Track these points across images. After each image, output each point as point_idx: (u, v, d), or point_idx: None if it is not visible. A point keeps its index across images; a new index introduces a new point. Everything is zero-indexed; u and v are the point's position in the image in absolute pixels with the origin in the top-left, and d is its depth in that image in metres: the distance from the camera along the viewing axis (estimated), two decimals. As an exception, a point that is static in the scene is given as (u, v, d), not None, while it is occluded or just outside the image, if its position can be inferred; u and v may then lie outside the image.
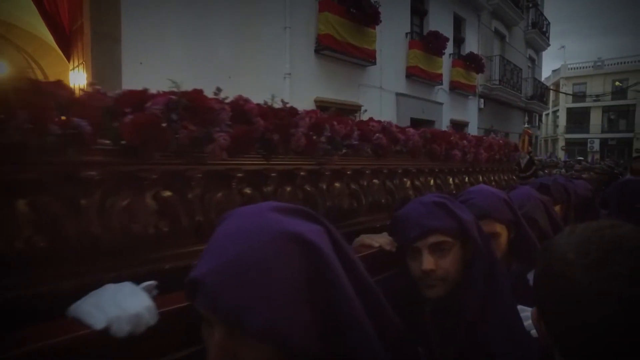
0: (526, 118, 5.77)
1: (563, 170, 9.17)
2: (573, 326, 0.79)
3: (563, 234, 0.88)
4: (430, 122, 13.97)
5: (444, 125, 14.52)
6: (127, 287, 0.94)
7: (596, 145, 38.79)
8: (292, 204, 0.92)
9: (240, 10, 8.24)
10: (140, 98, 1.13)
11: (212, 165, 1.24)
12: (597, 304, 0.75)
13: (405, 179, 2.01)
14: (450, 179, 2.38)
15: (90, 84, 1.10)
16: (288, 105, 1.50)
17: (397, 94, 12.58)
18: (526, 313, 1.55)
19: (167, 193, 1.17)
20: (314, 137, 1.47)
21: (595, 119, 41.28)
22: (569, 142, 41.45)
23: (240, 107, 1.31)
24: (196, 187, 1.23)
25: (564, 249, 0.83)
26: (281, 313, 0.75)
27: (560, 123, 43.25)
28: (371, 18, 10.68)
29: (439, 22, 14.08)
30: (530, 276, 1.93)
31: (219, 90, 1.35)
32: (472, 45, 16.14)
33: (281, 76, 9.26)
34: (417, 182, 2.07)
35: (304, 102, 9.26)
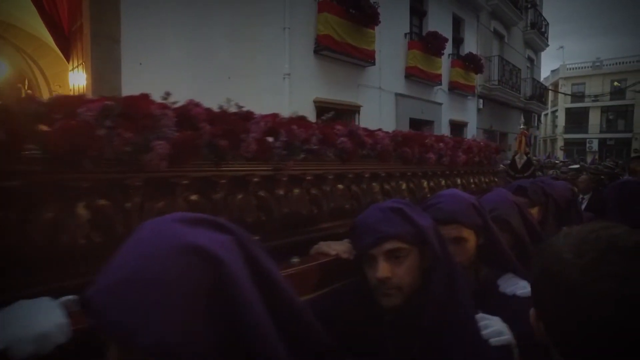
0: (522, 119, 5.71)
1: (559, 172, 9.02)
2: (570, 326, 0.79)
3: (560, 235, 0.88)
4: (429, 123, 13.87)
5: (443, 125, 14.43)
6: (41, 303, 0.88)
7: (595, 146, 38.47)
8: (203, 214, 0.86)
9: (239, 11, 8.16)
10: (73, 104, 1.06)
11: (154, 173, 1.17)
12: (593, 303, 0.75)
13: (374, 184, 1.93)
14: (425, 183, 2.30)
15: (15, 87, 1.03)
16: (244, 109, 1.44)
17: (397, 94, 12.47)
18: (486, 321, 1.48)
19: (102, 202, 1.11)
20: (269, 142, 1.40)
21: (594, 119, 40.89)
22: (567, 142, 41.12)
23: (186, 113, 1.24)
24: (135, 195, 1.16)
25: (560, 249, 0.83)
26: (175, 329, 0.70)
27: (559, 123, 42.89)
28: (370, 18, 10.58)
29: (438, 23, 13.95)
30: (501, 282, 1.86)
31: (167, 94, 1.29)
32: (471, 45, 16.00)
33: (280, 76, 9.18)
34: (386, 187, 1.99)
35: (303, 103, 9.22)
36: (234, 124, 1.31)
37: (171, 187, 1.24)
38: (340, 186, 1.75)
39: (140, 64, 6.72)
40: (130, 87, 6.33)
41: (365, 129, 1.86)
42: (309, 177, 1.59)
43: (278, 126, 1.44)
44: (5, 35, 7.20)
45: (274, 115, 1.53)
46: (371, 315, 1.47)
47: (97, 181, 1.09)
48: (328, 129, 1.67)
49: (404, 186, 2.13)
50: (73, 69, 6.81)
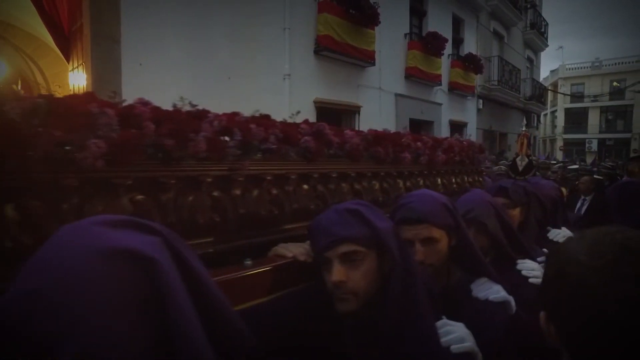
0: (524, 121, 5.69)
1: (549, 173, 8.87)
2: (583, 328, 0.78)
3: (573, 238, 0.89)
4: (429, 123, 13.78)
5: (443, 125, 14.32)
6: None
7: (594, 146, 38.14)
8: (125, 216, 0.79)
9: (239, 11, 8.11)
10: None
11: (93, 173, 1.11)
12: (609, 305, 0.74)
13: (343, 184, 1.85)
14: (401, 182, 2.22)
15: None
16: (198, 108, 1.37)
17: (396, 95, 12.40)
18: (448, 327, 1.41)
19: (35, 203, 1.04)
20: (221, 142, 1.33)
21: (593, 119, 40.52)
22: (567, 143, 40.79)
23: (129, 112, 1.17)
24: (73, 196, 1.10)
25: (575, 251, 0.82)
26: (103, 335, 0.64)
27: (558, 123, 42.53)
28: (370, 19, 10.50)
29: (438, 23, 13.84)
30: (474, 286, 1.78)
31: (114, 93, 1.22)
32: (470, 45, 15.86)
33: (280, 77, 9.14)
34: (357, 186, 1.92)
35: (303, 103, 9.16)
36: (182, 123, 1.23)
37: (113, 187, 1.17)
38: (305, 186, 1.67)
39: (141, 64, 6.68)
40: (130, 87, 6.31)
41: (333, 128, 1.78)
42: (269, 177, 1.52)
43: (233, 125, 1.37)
44: (4, 35, 7.15)
45: (233, 114, 1.46)
46: (332, 320, 1.40)
47: (31, 181, 1.02)
48: (290, 128, 1.60)
49: (377, 186, 2.05)
50: (73, 70, 6.77)
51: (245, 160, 1.39)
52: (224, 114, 1.42)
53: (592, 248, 0.80)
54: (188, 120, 1.27)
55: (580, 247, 0.82)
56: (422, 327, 1.32)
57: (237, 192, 1.43)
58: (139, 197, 1.21)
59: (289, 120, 1.72)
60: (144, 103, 1.25)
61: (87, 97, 1.15)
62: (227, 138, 1.39)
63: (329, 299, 1.37)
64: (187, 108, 1.36)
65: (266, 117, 1.61)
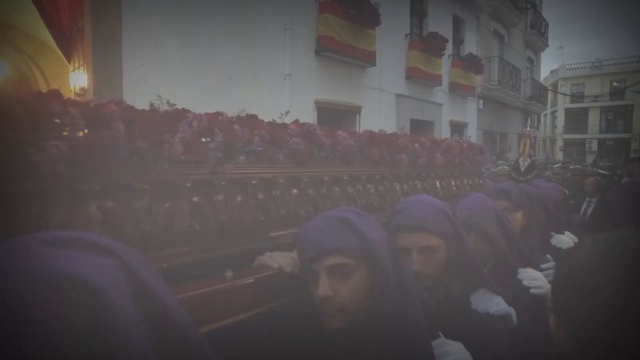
0: (529, 122, 5.60)
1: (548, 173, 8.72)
2: (593, 334, 0.76)
3: (583, 244, 0.86)
4: (430, 123, 13.67)
5: (443, 125, 14.20)
6: None
7: (594, 146, 37.91)
8: (79, 232, 0.67)
9: (240, 12, 8.04)
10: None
11: (53, 178, 0.99)
12: (619, 312, 0.73)
13: (336, 188, 1.73)
14: (398, 186, 2.09)
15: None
16: (176, 107, 1.25)
17: (397, 95, 12.30)
18: (445, 348, 1.28)
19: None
20: (200, 144, 1.21)
21: (593, 120, 40.26)
22: (567, 143, 40.53)
23: (97, 112, 1.06)
24: (32, 203, 0.98)
25: (587, 258, 0.81)
26: None
27: (558, 123, 42.27)
28: (371, 19, 10.42)
29: (438, 23, 13.72)
30: (474, 298, 1.66)
31: (83, 91, 1.11)
32: (471, 46, 15.73)
33: (281, 77, 9.05)
34: (351, 190, 1.79)
35: (304, 104, 9.07)
36: (156, 124, 1.12)
37: (79, 194, 1.05)
38: (294, 191, 1.55)
39: (142, 65, 6.59)
40: (131, 88, 6.24)
41: (325, 129, 1.67)
42: (254, 181, 1.40)
43: (214, 125, 1.25)
44: (4, 35, 7.04)
45: (216, 114, 1.35)
46: (321, 336, 1.28)
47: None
48: (278, 129, 1.48)
49: (372, 190, 1.92)
50: (74, 70, 6.67)
51: (228, 163, 1.27)
52: (206, 114, 1.30)
53: (605, 254, 0.78)
54: (163, 121, 1.15)
55: (592, 254, 0.80)
56: (416, 347, 1.19)
57: (220, 197, 1.31)
58: (109, 204, 1.10)
59: (279, 121, 1.60)
60: (117, 102, 1.13)
61: (50, 96, 1.04)
62: (208, 139, 1.28)
63: (317, 313, 1.26)
64: (166, 107, 1.25)
65: (253, 118, 1.49)
